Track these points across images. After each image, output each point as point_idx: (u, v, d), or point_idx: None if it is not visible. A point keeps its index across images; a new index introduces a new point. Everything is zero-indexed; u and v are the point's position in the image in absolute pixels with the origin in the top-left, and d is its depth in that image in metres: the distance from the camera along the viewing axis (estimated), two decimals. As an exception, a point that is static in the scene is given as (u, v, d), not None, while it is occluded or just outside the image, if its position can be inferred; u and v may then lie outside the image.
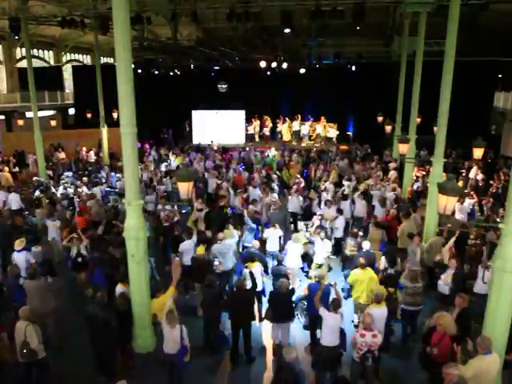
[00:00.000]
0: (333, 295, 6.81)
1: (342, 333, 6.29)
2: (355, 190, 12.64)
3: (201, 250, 8.50)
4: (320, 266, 8.96)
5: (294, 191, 12.69)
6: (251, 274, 7.30)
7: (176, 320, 5.99)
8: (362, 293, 7.53)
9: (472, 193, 13.18)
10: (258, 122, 25.34)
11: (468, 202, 12.00)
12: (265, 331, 7.72)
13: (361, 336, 5.87)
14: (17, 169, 18.45)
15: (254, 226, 10.27)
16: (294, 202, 12.25)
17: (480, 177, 15.18)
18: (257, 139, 25.25)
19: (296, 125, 24.93)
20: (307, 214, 12.44)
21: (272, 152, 19.59)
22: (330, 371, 6.20)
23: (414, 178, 14.71)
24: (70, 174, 16.95)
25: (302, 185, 13.84)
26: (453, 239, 8.58)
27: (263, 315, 7.60)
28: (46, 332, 6.57)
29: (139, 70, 22.15)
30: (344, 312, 6.69)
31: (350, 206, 11.68)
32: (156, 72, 24.86)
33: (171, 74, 24.10)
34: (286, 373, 5.18)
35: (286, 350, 5.41)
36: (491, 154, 18.22)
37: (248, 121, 25.45)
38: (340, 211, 10.75)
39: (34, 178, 15.73)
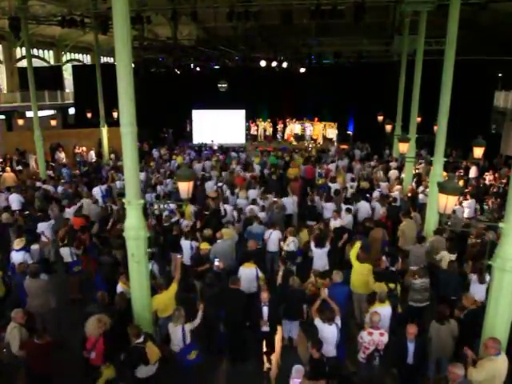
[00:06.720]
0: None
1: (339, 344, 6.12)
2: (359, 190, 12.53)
3: (204, 245, 8.38)
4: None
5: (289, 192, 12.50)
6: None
7: (181, 319, 6.15)
8: (357, 283, 7.58)
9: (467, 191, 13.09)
10: (264, 124, 25.76)
11: (468, 202, 11.97)
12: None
13: (368, 334, 5.82)
14: (19, 167, 18.38)
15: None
16: (290, 203, 12.05)
17: (491, 177, 15.17)
18: (261, 139, 25.64)
19: (297, 126, 24.94)
20: (312, 215, 11.89)
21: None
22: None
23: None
24: (66, 170, 16.94)
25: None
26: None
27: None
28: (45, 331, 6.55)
29: (139, 70, 22.12)
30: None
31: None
32: (156, 71, 24.83)
33: (171, 73, 24.07)
34: None
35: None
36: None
37: (251, 122, 25.74)
38: (349, 210, 10.67)
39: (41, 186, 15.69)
